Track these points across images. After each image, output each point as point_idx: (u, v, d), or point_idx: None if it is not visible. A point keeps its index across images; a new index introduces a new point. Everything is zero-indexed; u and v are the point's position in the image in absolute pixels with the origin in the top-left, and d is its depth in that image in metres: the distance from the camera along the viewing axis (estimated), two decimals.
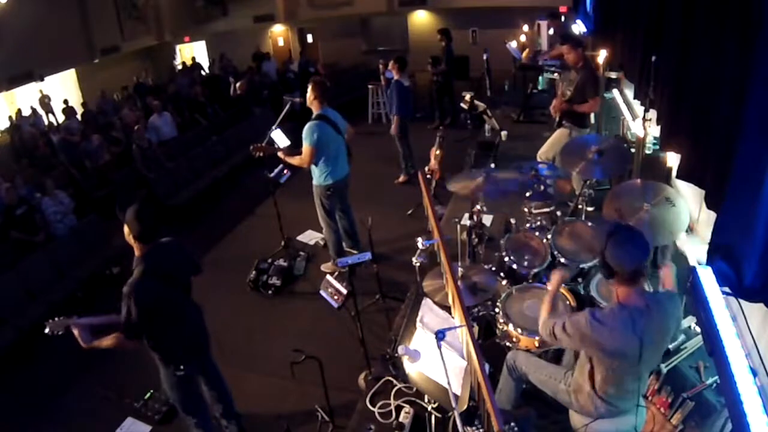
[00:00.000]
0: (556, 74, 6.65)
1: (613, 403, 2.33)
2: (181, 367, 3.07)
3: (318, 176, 4.92)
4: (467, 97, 7.25)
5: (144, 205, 2.89)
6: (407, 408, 3.31)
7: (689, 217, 3.12)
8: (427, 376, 2.43)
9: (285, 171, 5.53)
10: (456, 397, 2.12)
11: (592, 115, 7.21)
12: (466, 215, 4.00)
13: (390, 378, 3.62)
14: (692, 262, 3.17)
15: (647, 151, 4.61)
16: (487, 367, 2.38)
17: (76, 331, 2.88)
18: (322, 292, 3.63)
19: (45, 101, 11.69)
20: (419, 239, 3.33)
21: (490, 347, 3.23)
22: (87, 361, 4.43)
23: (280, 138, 5.45)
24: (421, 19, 14.62)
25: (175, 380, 3.11)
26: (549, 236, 3.59)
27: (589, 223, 3.71)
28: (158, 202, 7.48)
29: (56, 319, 2.92)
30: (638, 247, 2.12)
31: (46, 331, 2.91)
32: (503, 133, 7.27)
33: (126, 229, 2.83)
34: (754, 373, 2.14)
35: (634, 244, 2.12)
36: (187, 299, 3.10)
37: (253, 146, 5.18)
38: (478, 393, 2.35)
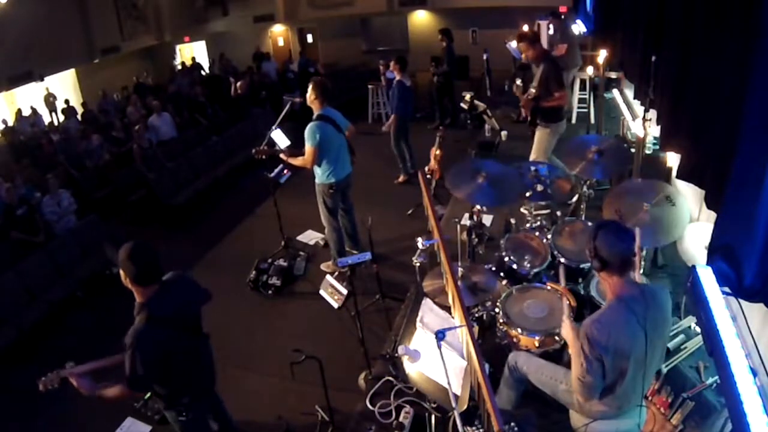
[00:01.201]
0: None
1: (614, 404, 2.33)
2: (184, 413, 2.87)
3: (321, 175, 4.92)
4: (467, 97, 7.27)
5: (138, 244, 2.54)
6: (407, 408, 3.30)
7: (689, 216, 3.12)
8: (427, 376, 2.43)
9: (285, 171, 5.53)
10: (456, 397, 2.12)
11: (592, 115, 7.24)
12: (466, 215, 4.00)
13: (390, 378, 3.61)
14: (692, 262, 3.17)
15: (647, 151, 4.62)
16: (487, 367, 2.39)
17: (74, 381, 2.63)
18: (322, 292, 3.62)
19: (50, 100, 11.71)
20: (419, 239, 3.33)
21: (490, 347, 3.23)
22: (87, 361, 4.43)
23: (280, 138, 5.45)
24: (421, 19, 14.62)
25: (180, 423, 2.94)
26: (549, 236, 3.59)
27: (589, 223, 3.71)
28: (158, 202, 7.49)
29: (49, 375, 2.68)
30: (626, 235, 2.24)
31: (41, 389, 2.67)
32: (503, 133, 7.30)
33: (121, 273, 2.53)
34: (754, 373, 2.13)
35: (621, 234, 2.24)
36: (198, 338, 2.84)
37: (255, 150, 5.18)
38: (478, 393, 2.35)
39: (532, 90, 5.01)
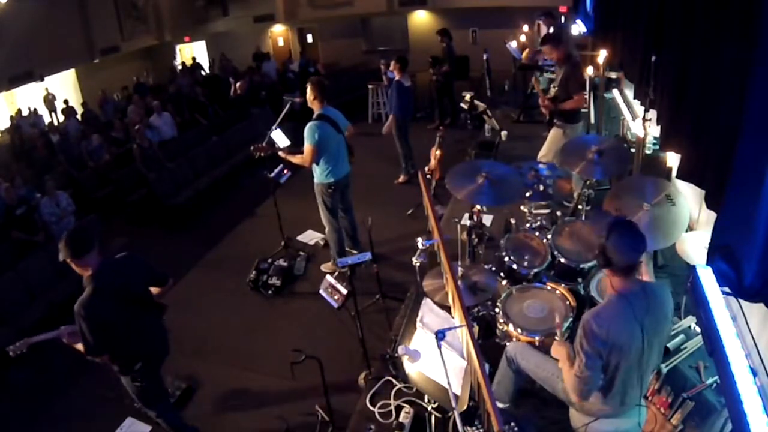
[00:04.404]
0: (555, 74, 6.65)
1: (612, 401, 2.33)
2: (139, 379, 3.15)
3: (319, 174, 4.93)
4: (467, 97, 7.26)
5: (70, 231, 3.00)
6: (407, 408, 3.31)
7: (689, 216, 3.12)
8: (427, 376, 2.43)
9: (285, 171, 5.54)
10: (456, 397, 2.12)
11: (592, 115, 7.23)
12: (466, 215, 4.00)
13: (390, 378, 3.62)
14: (692, 262, 3.16)
15: (647, 151, 4.61)
16: (487, 367, 2.39)
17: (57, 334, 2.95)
18: (322, 292, 3.63)
19: (50, 100, 11.72)
20: (419, 239, 3.33)
21: (490, 347, 3.23)
22: (87, 362, 4.42)
23: (280, 138, 5.45)
24: (421, 19, 14.62)
25: (134, 387, 3.22)
26: (549, 236, 3.59)
27: (589, 223, 3.70)
28: (158, 202, 7.49)
29: (17, 343, 2.97)
30: (638, 241, 2.20)
31: (11, 355, 2.96)
32: (503, 133, 7.29)
33: (69, 261, 2.93)
34: (754, 373, 2.13)
35: (634, 239, 2.20)
36: (144, 312, 3.11)
37: (254, 146, 5.19)
38: (478, 393, 2.35)
39: (552, 91, 5.00)
